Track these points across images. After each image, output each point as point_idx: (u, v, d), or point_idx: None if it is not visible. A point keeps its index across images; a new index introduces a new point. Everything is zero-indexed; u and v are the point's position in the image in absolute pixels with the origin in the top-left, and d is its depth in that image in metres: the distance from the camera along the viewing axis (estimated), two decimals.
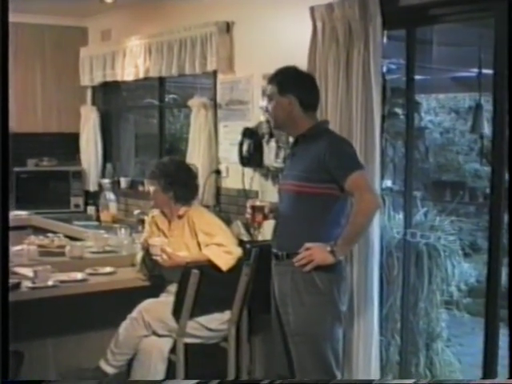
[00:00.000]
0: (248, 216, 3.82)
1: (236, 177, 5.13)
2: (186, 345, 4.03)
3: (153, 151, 6.62)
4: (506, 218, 3.49)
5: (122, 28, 6.55)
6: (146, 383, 4.02)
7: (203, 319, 4.08)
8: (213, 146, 5.37)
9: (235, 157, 4.98)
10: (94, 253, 4.70)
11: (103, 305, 4.16)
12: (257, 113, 4.89)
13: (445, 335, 4.79)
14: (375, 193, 3.61)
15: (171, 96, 6.79)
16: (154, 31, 5.90)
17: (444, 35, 4.76)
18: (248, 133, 4.86)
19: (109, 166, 6.97)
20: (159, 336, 4.05)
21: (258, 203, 3.85)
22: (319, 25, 4.14)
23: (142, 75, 6.07)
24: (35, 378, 3.64)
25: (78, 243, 4.87)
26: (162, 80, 6.22)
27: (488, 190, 3.92)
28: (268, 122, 4.43)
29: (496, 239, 3.59)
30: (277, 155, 4.69)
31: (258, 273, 4.07)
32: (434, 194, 5.04)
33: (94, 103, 7.12)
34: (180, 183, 4.27)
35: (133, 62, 6.15)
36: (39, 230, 5.99)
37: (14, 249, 4.39)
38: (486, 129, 4.90)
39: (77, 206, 6.94)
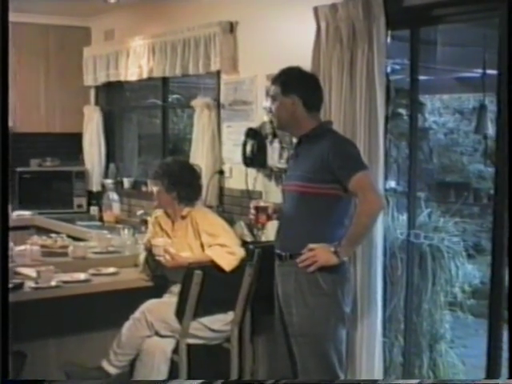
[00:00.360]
0: (252, 217, 3.82)
1: (239, 177, 5.12)
2: (189, 345, 4.02)
3: (156, 151, 6.61)
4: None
5: (125, 28, 6.54)
6: (149, 383, 4.02)
7: (206, 320, 4.07)
8: (216, 147, 5.37)
9: (239, 157, 4.98)
10: (96, 253, 4.69)
11: (106, 305, 4.16)
12: (260, 113, 4.88)
13: (448, 337, 4.78)
14: (379, 193, 3.60)
15: (175, 96, 6.78)
16: (158, 31, 5.89)
17: (448, 35, 4.75)
18: (251, 133, 4.86)
19: (112, 166, 6.96)
20: (162, 337, 4.04)
21: (261, 204, 3.85)
22: (323, 25, 4.14)
23: (145, 75, 6.07)
24: (37, 378, 3.62)
25: (81, 243, 4.87)
26: (165, 80, 6.21)
27: (492, 191, 3.90)
28: (271, 122, 4.42)
29: (500, 240, 3.57)
30: (280, 156, 4.68)
31: (261, 273, 4.06)
32: (438, 195, 5.02)
33: (97, 103, 7.13)
34: (183, 183, 4.26)
35: (136, 62, 6.15)
36: (42, 230, 6.00)
37: (16, 249, 4.40)
38: (490, 129, 4.89)
39: (80, 206, 6.93)
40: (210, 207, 4.99)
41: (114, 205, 6.35)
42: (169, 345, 4.03)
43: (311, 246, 3.47)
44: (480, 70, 5.10)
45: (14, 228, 5.32)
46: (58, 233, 5.09)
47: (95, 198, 6.95)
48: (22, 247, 4.47)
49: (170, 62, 5.70)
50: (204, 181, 4.90)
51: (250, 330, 4.26)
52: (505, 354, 3.00)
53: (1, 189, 2.38)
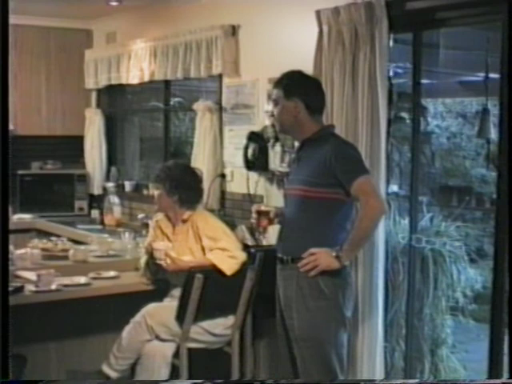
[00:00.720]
0: (253, 221, 3.82)
1: (241, 181, 5.12)
2: (190, 350, 4.01)
3: (158, 155, 6.61)
4: None
5: (127, 31, 6.54)
6: (146, 383, 4.01)
7: (207, 324, 4.06)
8: (218, 150, 5.36)
9: (240, 161, 4.97)
10: (97, 257, 4.69)
11: (106, 309, 4.16)
12: (262, 117, 4.88)
13: (450, 341, 4.75)
14: (381, 198, 3.59)
15: (176, 99, 6.77)
16: (160, 34, 5.89)
17: (451, 39, 4.74)
18: (253, 137, 4.85)
19: (113, 169, 6.96)
20: (162, 340, 4.03)
21: (263, 208, 3.84)
22: (325, 28, 4.14)
23: (147, 78, 6.06)
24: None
25: (82, 247, 4.87)
26: (167, 83, 6.21)
27: (495, 196, 3.88)
28: (273, 126, 4.42)
29: (502, 245, 3.56)
30: (282, 159, 4.68)
31: (262, 277, 4.05)
32: (440, 199, 5.00)
33: (98, 106, 7.12)
34: (185, 187, 4.26)
35: (138, 65, 6.15)
36: (43, 234, 5.99)
37: (17, 252, 4.39)
38: (493, 134, 4.87)
39: (81, 209, 6.93)
40: (212, 211, 4.97)
41: (115, 208, 6.34)
42: (169, 349, 4.02)
43: (313, 250, 3.46)
44: (483, 74, 5.08)
45: (15, 231, 5.31)
46: (58, 236, 5.10)
47: (96, 201, 6.94)
48: (23, 250, 4.46)
49: (172, 65, 5.69)
50: (205, 184, 4.89)
51: (251, 334, 4.26)
52: (506, 359, 2.99)
53: (1, 192, 2.38)
